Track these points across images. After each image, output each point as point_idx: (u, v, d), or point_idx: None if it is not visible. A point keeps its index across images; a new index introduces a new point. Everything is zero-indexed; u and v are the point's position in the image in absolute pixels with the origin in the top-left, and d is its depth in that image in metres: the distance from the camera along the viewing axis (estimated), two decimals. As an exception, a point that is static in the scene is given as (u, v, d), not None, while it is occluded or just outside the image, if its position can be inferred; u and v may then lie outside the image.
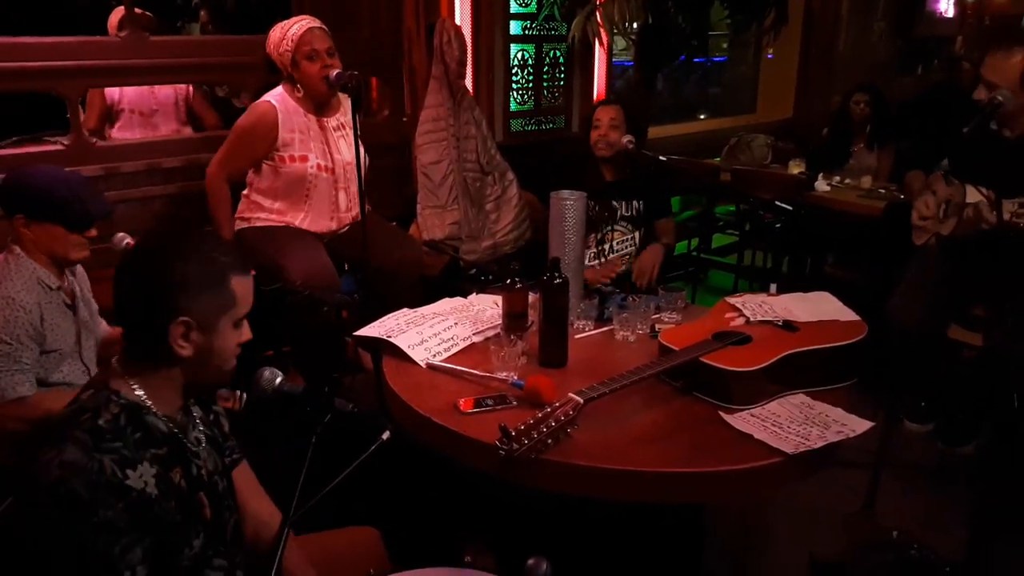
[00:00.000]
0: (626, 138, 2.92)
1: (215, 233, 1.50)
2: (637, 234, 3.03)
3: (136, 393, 1.19)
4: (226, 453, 1.40)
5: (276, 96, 2.76)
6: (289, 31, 2.70)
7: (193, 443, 1.27)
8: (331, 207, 2.85)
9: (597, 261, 2.99)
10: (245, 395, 1.98)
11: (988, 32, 7.69)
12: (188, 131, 3.58)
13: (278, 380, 1.30)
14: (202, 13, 4.87)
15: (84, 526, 1.06)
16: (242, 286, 1.21)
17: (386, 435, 1.30)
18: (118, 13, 3.18)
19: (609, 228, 2.99)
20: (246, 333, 1.25)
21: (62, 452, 1.08)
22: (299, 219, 2.80)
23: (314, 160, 2.75)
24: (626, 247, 3.03)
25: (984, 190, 2.37)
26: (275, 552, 1.12)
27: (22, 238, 1.88)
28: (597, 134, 2.96)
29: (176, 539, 1.16)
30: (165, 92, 3.54)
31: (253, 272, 1.25)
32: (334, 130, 2.83)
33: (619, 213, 3.00)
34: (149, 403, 1.20)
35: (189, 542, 1.19)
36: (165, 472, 1.16)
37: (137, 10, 2.99)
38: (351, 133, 2.83)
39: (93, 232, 1.93)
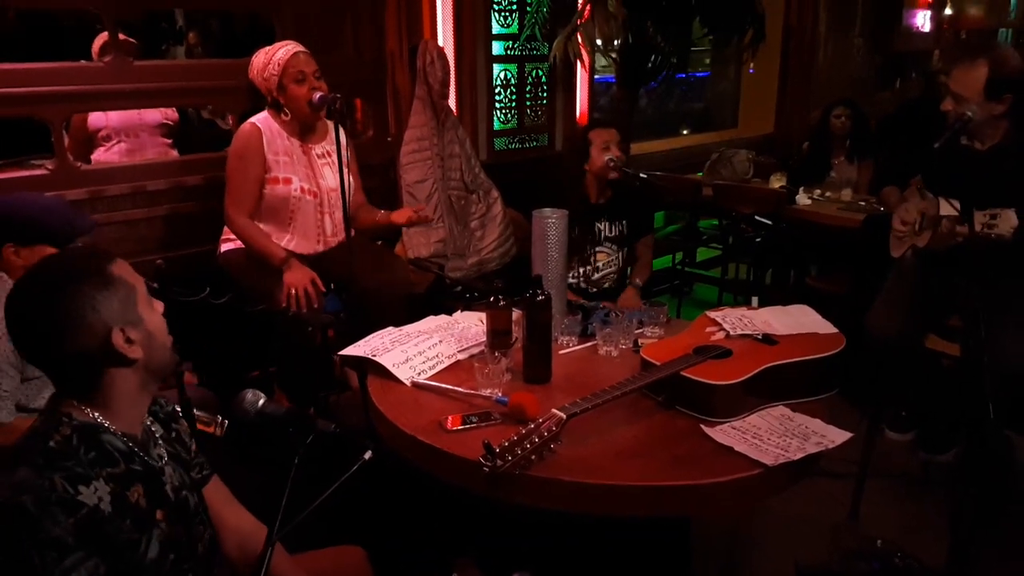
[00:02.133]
0: (607, 155, 2.96)
1: (62, 250, 1.52)
2: (620, 254, 3.06)
3: (91, 415, 1.19)
4: (194, 470, 1.40)
5: (259, 119, 2.78)
6: (275, 55, 2.72)
7: (155, 459, 1.27)
8: (316, 231, 2.86)
9: (578, 281, 3.02)
10: (226, 421, 1.99)
11: (964, 46, 7.82)
12: (174, 154, 3.60)
13: (260, 402, 1.31)
14: (189, 36, 4.91)
15: (29, 542, 1.05)
16: (122, 269, 1.22)
17: (368, 454, 1.31)
18: (101, 39, 3.21)
19: (592, 251, 3.02)
20: (159, 304, 1.28)
21: (13, 475, 1.09)
22: (284, 240, 2.81)
23: (298, 183, 2.76)
24: (611, 268, 3.06)
25: (954, 203, 2.42)
26: (259, 570, 1.13)
27: (11, 266, 1.89)
28: (607, 158, 2.91)
29: (134, 559, 1.16)
30: (151, 115, 3.56)
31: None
32: (319, 157, 2.85)
33: (603, 235, 3.03)
34: (105, 423, 1.20)
35: (157, 560, 1.18)
36: (122, 490, 1.16)
37: (121, 36, 3.01)
38: (336, 160, 2.85)
39: None
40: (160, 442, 1.32)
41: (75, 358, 1.16)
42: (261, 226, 2.80)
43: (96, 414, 1.20)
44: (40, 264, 1.21)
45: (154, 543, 1.19)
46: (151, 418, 1.32)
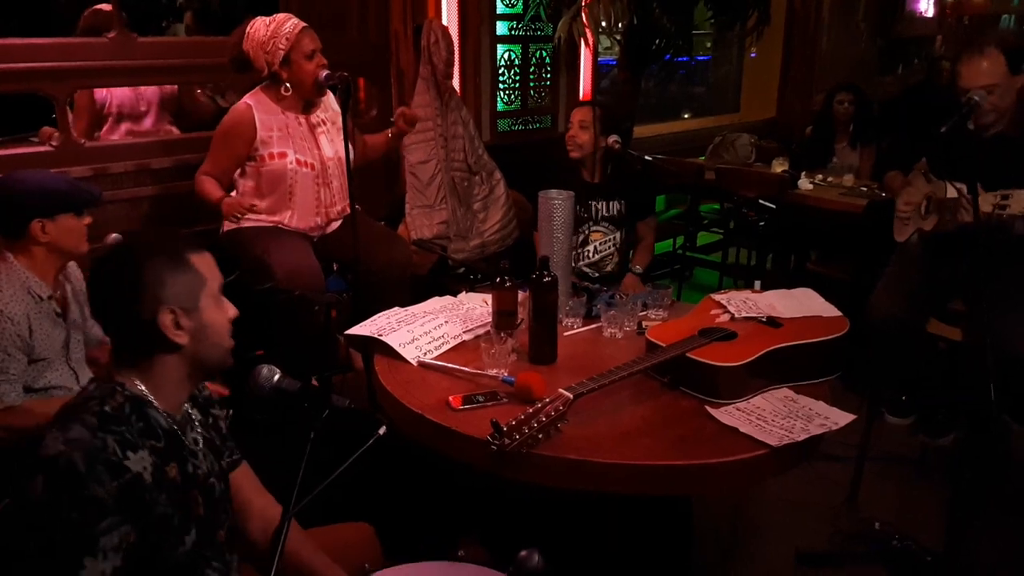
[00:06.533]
0: (612, 138, 2.95)
1: (159, 227, 1.60)
2: (618, 235, 3.05)
3: (140, 388, 1.22)
4: (224, 455, 1.42)
5: (251, 97, 2.76)
6: (282, 29, 2.66)
7: (191, 443, 1.30)
8: (315, 203, 2.85)
9: (579, 263, 3.02)
10: (231, 411, 2.00)
11: (967, 31, 7.80)
12: (175, 131, 3.58)
13: (276, 377, 1.31)
14: (187, 15, 4.87)
15: (71, 497, 1.08)
16: (203, 262, 1.26)
17: (382, 430, 1.32)
18: (88, 12, 3.22)
19: (587, 229, 3.02)
20: (231, 308, 1.31)
21: (68, 431, 1.12)
22: (287, 217, 2.81)
23: (293, 156, 2.75)
24: (608, 248, 3.06)
25: (960, 186, 2.42)
26: (277, 547, 1.14)
27: (37, 243, 1.89)
28: (567, 135, 3.01)
29: (165, 532, 1.18)
30: (151, 92, 3.54)
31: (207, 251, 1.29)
32: (315, 126, 2.83)
33: (600, 214, 3.03)
34: (151, 398, 1.23)
35: (180, 537, 1.21)
36: (161, 464, 1.19)
37: (107, 7, 2.98)
38: (333, 128, 2.84)
39: (88, 219, 1.97)
40: (197, 427, 1.34)
41: (133, 325, 1.20)
42: (263, 203, 2.78)
43: (144, 388, 1.23)
44: (130, 234, 1.28)
45: (183, 520, 1.21)
46: (190, 403, 1.35)
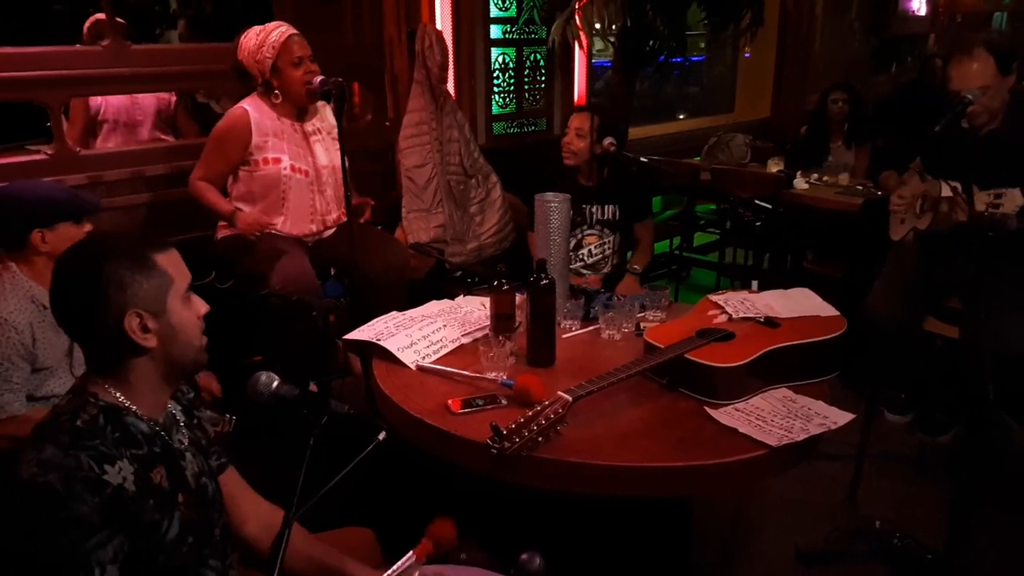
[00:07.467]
0: (607, 140, 2.95)
1: (118, 231, 1.57)
2: (614, 238, 3.05)
3: (115, 396, 1.20)
4: (212, 457, 1.41)
5: (249, 101, 2.77)
6: (269, 38, 2.68)
7: (178, 444, 1.28)
8: (309, 210, 2.85)
9: (575, 264, 3.02)
10: (235, 418, 2.00)
11: (960, 29, 7.83)
12: (171, 139, 3.58)
13: (275, 384, 1.31)
14: (180, 23, 4.87)
15: (56, 520, 1.06)
16: (168, 260, 1.22)
17: (382, 435, 1.32)
18: (92, 20, 3.21)
19: (581, 232, 3.02)
20: (201, 305, 1.28)
21: (41, 451, 1.09)
22: (280, 223, 2.81)
23: (287, 162, 2.75)
24: (603, 251, 3.06)
25: (955, 184, 2.43)
26: (279, 551, 1.14)
27: (38, 253, 1.89)
28: (564, 141, 3.00)
29: (155, 539, 1.17)
30: (147, 101, 3.54)
31: (174, 248, 1.27)
32: (310, 135, 2.84)
33: (594, 218, 3.03)
34: (130, 405, 1.21)
35: (175, 542, 1.20)
36: (145, 471, 1.17)
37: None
38: (327, 137, 2.85)
39: (88, 227, 1.97)
40: (183, 428, 1.33)
41: (99, 331, 1.17)
42: (256, 209, 2.79)
43: (120, 395, 1.20)
44: (88, 237, 1.26)
45: (175, 525, 1.20)
46: (174, 403, 1.33)
